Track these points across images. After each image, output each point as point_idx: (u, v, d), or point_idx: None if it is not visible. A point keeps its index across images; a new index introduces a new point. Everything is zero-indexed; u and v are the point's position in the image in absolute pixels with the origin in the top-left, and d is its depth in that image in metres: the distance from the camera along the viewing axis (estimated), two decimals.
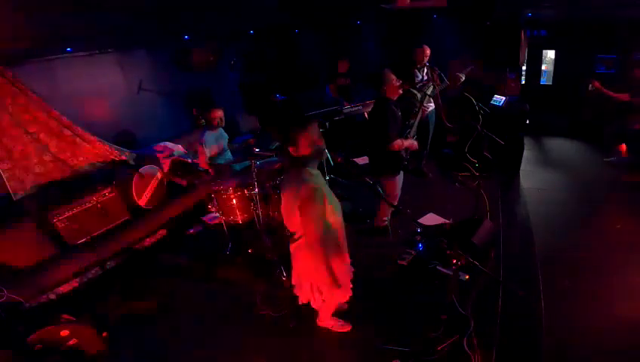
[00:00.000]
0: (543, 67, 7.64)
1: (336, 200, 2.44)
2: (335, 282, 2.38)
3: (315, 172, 2.31)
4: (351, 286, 2.64)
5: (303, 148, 2.19)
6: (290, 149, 2.26)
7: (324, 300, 2.61)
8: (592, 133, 6.63)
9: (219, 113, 4.33)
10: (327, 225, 2.27)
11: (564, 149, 6.56)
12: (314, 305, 2.71)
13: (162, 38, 5.99)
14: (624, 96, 5.17)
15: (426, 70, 5.00)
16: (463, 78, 4.59)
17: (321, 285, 2.47)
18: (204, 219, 4.68)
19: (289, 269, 2.73)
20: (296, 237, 2.42)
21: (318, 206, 2.16)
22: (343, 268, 2.54)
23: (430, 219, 4.30)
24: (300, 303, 2.69)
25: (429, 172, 5.49)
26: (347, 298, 2.67)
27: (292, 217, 2.35)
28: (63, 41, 4.34)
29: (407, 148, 3.69)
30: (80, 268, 3.85)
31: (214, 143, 4.36)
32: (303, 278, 2.55)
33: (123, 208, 4.69)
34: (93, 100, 5.34)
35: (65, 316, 2.94)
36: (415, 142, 3.77)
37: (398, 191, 3.86)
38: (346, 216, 2.63)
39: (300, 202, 2.19)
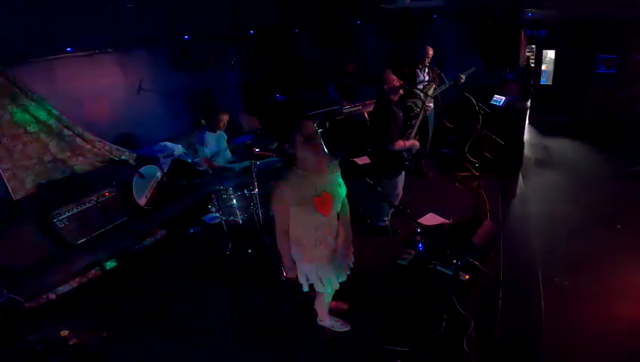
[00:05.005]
0: (543, 67, 7.64)
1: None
2: (288, 271, 2.48)
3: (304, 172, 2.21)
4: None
5: (298, 146, 2.18)
6: (286, 147, 2.29)
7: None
8: (592, 132, 6.64)
9: (226, 117, 4.36)
10: (300, 222, 2.34)
11: (564, 149, 6.56)
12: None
13: (162, 38, 5.99)
14: None
15: (427, 70, 5.00)
16: (464, 79, 4.59)
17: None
18: (204, 219, 4.68)
19: None
20: None
21: (277, 204, 2.29)
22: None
23: (430, 219, 4.30)
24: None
25: (429, 172, 5.49)
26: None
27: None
28: (63, 41, 4.33)
29: (409, 148, 3.69)
30: (80, 268, 3.85)
31: (214, 143, 4.37)
32: None
33: (123, 208, 4.69)
34: (93, 100, 5.34)
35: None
36: (417, 142, 3.77)
37: (400, 191, 3.86)
38: None
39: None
